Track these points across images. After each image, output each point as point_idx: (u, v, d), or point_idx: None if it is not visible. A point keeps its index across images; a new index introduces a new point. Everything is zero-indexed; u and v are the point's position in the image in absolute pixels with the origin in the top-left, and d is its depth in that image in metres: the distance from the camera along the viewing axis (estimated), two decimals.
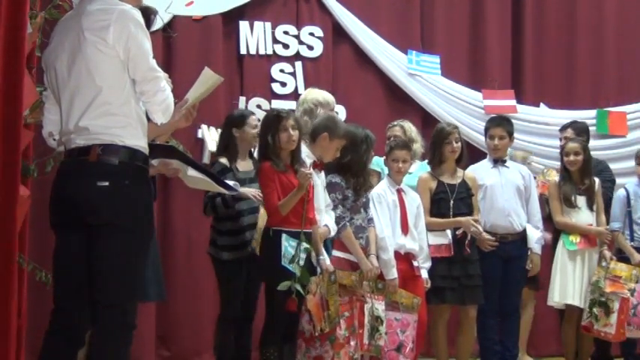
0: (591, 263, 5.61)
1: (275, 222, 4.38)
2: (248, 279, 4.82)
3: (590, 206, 5.71)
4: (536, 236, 5.61)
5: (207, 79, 3.21)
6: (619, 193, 5.86)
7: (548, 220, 5.88)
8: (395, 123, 5.79)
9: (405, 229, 5.04)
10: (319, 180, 4.65)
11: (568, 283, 5.58)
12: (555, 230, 5.84)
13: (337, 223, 4.71)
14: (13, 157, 2.53)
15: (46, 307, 3.08)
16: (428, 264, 5.11)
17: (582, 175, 5.71)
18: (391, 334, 4.82)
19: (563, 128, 6.27)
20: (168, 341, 5.97)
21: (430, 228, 5.20)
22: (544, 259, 5.79)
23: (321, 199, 4.64)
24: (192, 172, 3.27)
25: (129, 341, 3.04)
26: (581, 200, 5.69)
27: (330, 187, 4.76)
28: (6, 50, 2.53)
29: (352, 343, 4.48)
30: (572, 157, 5.69)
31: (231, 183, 3.53)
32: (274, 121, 4.48)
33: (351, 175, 4.80)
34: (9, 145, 2.51)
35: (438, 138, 5.38)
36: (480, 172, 5.62)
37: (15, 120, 2.54)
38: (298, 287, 4.25)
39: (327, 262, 4.50)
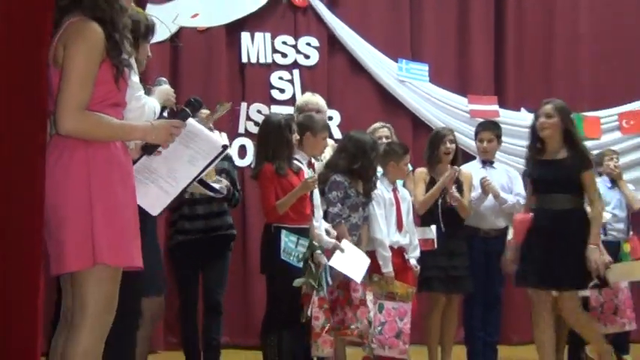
0: None
1: (274, 219, 4.39)
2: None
3: None
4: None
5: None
6: None
7: None
8: (380, 124, 5.69)
9: (400, 226, 5.06)
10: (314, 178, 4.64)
11: None
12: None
13: (333, 220, 4.74)
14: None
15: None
16: (416, 253, 5.13)
17: None
18: (390, 322, 4.83)
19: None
20: (175, 328, 6.02)
21: (426, 206, 5.23)
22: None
23: (318, 196, 4.69)
24: None
25: (132, 328, 3.03)
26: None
27: (333, 186, 4.77)
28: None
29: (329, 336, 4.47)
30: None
31: (217, 186, 3.49)
32: (285, 126, 4.45)
33: (363, 180, 4.83)
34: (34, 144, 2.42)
35: (434, 140, 5.41)
36: (470, 172, 5.61)
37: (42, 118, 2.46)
38: (313, 283, 4.32)
39: (323, 258, 4.50)
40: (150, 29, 3.27)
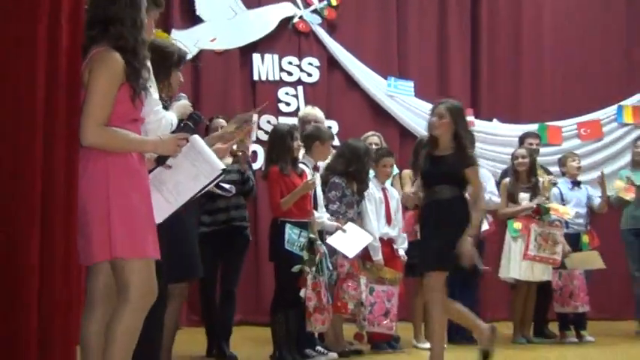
0: None
1: (279, 214, 4.34)
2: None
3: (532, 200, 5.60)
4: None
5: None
6: (553, 191, 5.77)
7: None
8: (372, 133, 5.63)
9: (389, 220, 5.02)
10: (318, 180, 4.66)
11: (512, 262, 5.52)
12: (502, 222, 5.72)
13: (332, 215, 4.71)
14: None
15: None
16: (405, 245, 5.09)
17: (529, 175, 5.62)
18: (379, 302, 4.79)
19: (527, 136, 6.11)
20: (197, 308, 5.87)
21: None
22: (491, 243, 5.77)
23: (321, 196, 4.69)
24: None
25: (159, 309, 2.88)
26: (525, 196, 5.57)
27: (332, 186, 4.77)
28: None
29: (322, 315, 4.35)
30: (520, 160, 5.61)
31: (227, 186, 3.40)
32: (287, 134, 4.42)
33: (357, 181, 4.79)
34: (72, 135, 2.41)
35: (418, 147, 5.25)
36: None
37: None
38: (308, 269, 4.24)
39: (322, 247, 4.42)
40: (182, 59, 3.26)
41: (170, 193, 2.65)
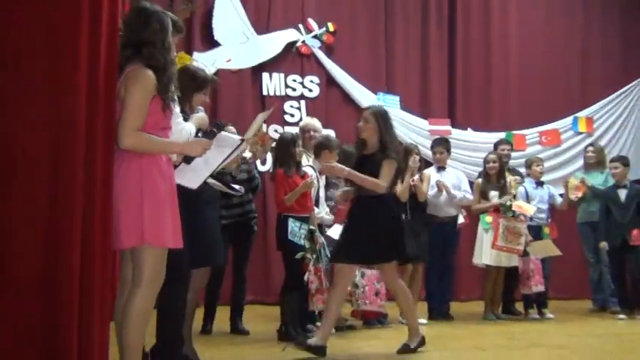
0: None
1: (283, 210, 4.34)
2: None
3: (501, 197, 5.62)
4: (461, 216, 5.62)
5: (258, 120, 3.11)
6: (520, 189, 5.78)
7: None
8: None
9: None
10: (322, 182, 4.68)
11: (484, 250, 5.54)
12: (476, 216, 5.74)
13: (332, 210, 4.75)
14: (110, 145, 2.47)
15: None
16: None
17: (498, 177, 5.66)
18: (370, 285, 4.78)
19: (501, 143, 6.12)
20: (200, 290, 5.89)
21: (405, 195, 4.99)
22: (466, 233, 5.79)
23: (322, 195, 4.69)
24: (210, 180, 3.10)
25: (183, 291, 2.92)
26: (494, 194, 5.61)
27: (332, 185, 4.84)
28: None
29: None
30: (490, 164, 5.66)
31: (237, 187, 3.40)
32: (291, 141, 4.43)
33: (351, 183, 4.73)
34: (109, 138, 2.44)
35: (404, 151, 5.31)
36: (429, 173, 5.53)
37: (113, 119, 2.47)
38: (310, 256, 4.25)
39: (321, 238, 4.45)
40: (207, 83, 3.27)
41: (202, 167, 2.76)
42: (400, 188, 5.11)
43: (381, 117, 3.87)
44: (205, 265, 3.40)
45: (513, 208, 5.41)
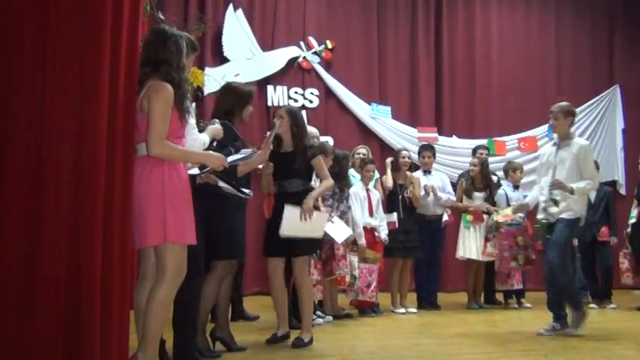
0: (479, 233, 5.54)
1: None
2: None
3: (485, 198, 5.64)
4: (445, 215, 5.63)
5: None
6: (500, 192, 5.75)
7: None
8: (361, 146, 5.57)
9: (371, 213, 4.99)
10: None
11: (465, 245, 5.54)
12: (459, 213, 5.73)
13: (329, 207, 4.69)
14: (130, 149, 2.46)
15: None
16: (385, 232, 5.04)
17: (481, 178, 5.67)
18: (363, 277, 4.78)
19: (478, 148, 6.10)
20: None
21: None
22: (450, 230, 5.78)
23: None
24: (221, 183, 3.07)
25: (197, 281, 2.89)
26: (479, 195, 5.61)
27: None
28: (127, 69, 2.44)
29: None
30: (472, 167, 5.67)
31: (247, 191, 3.28)
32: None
33: (338, 179, 4.65)
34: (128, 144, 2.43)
35: (396, 155, 5.40)
36: (418, 177, 5.51)
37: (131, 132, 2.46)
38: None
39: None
40: (252, 94, 3.42)
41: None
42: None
43: (294, 114, 3.67)
44: (231, 258, 3.33)
45: (500, 221, 5.21)
